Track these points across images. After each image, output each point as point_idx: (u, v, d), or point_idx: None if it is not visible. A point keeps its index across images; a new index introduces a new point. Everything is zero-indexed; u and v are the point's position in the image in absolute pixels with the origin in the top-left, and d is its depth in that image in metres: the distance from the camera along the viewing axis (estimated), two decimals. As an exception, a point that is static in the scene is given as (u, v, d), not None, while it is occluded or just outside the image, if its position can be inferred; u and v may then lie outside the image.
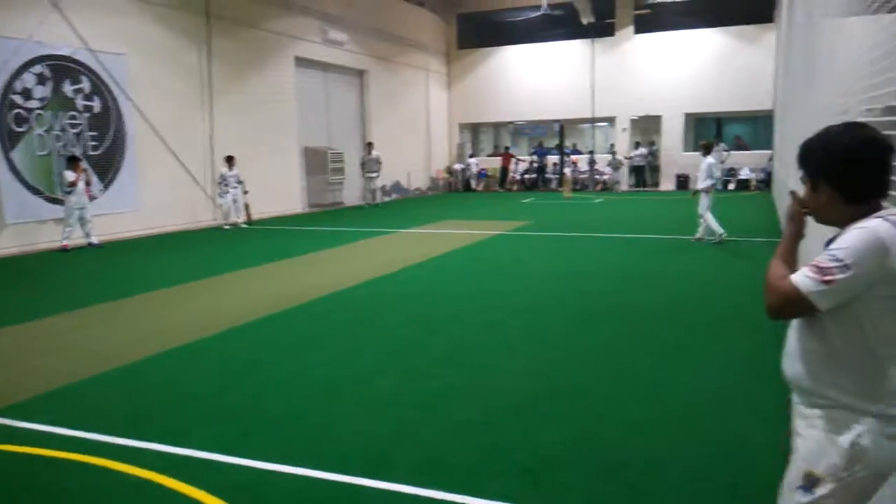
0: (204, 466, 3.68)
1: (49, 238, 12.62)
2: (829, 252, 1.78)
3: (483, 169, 27.86)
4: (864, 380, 1.82)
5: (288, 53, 18.94)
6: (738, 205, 18.34)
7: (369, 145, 21.01)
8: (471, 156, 28.13)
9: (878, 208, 1.86)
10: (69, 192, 12.33)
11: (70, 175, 12.32)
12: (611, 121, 26.61)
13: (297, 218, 17.88)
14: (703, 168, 11.53)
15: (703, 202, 11.45)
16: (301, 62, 19.52)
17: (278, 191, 18.61)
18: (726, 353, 5.53)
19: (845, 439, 1.82)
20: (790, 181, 10.89)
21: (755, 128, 26.95)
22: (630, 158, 25.38)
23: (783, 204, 12.36)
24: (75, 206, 12.36)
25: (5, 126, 12.19)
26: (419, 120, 26.04)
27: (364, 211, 19.53)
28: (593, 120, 26.14)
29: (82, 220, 12.53)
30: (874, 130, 1.88)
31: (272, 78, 18.41)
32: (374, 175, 20.63)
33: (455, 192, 27.19)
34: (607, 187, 25.29)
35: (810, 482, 1.88)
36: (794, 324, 1.97)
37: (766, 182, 22.84)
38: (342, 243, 12.71)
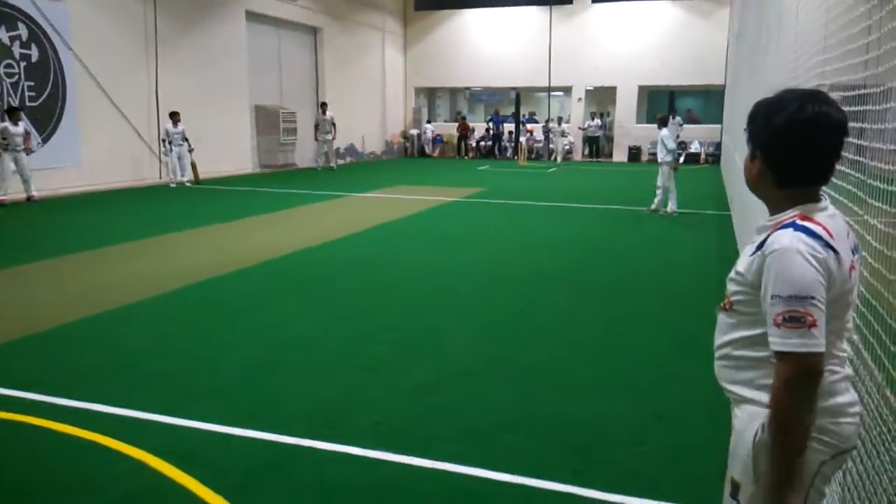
0: (147, 428, 3.61)
1: (-17, 192, 12.05)
2: (775, 298, 1.56)
3: (439, 135, 27.69)
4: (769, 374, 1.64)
5: (239, 7, 18.29)
6: (688, 178, 18.70)
7: (323, 105, 20.52)
8: (427, 121, 27.84)
9: (811, 198, 1.66)
10: (6, 148, 11.76)
11: (12, 127, 11.76)
12: (567, 90, 26.69)
13: (248, 178, 17.49)
14: (659, 141, 11.69)
15: (664, 174, 11.60)
16: (252, 17, 18.89)
17: (228, 150, 18.13)
18: (671, 322, 5.68)
19: (749, 436, 1.68)
20: (738, 156, 11.16)
21: (706, 102, 27.40)
22: (585, 129, 25.56)
23: (731, 179, 12.68)
24: (10, 159, 11.82)
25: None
26: (374, 82, 25.61)
27: (317, 174, 19.21)
28: (550, 89, 26.17)
29: (21, 172, 11.98)
30: (832, 106, 1.63)
31: (222, 32, 17.78)
32: (328, 137, 20.22)
33: (410, 157, 26.98)
34: (562, 156, 25.47)
35: (734, 488, 1.75)
36: (718, 322, 1.82)
37: (715, 156, 23.34)
38: (294, 206, 12.51)
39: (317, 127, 20.34)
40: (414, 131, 27.47)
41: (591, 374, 4.48)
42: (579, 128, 25.67)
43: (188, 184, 15.27)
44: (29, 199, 12.11)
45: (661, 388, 4.26)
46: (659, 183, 11.69)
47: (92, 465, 3.24)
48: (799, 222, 1.60)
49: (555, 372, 4.51)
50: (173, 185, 14.91)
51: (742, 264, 1.70)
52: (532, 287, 6.82)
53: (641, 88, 25.16)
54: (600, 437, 3.58)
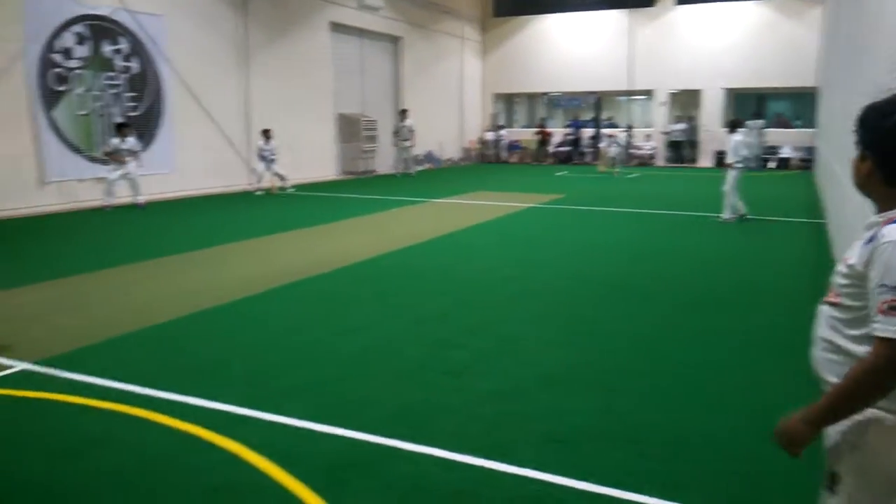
0: (242, 423, 3.79)
1: (89, 196, 12.88)
2: (883, 286, 1.60)
3: (517, 141, 27.63)
4: None
5: (324, 18, 18.88)
6: (779, 184, 17.98)
7: (403, 112, 20.86)
8: (500, 127, 27.73)
9: None
10: (115, 161, 12.59)
11: (117, 143, 12.60)
12: (648, 94, 26.12)
13: (331, 185, 17.99)
14: (731, 146, 11.33)
15: (730, 179, 11.21)
16: (336, 27, 19.45)
17: (312, 157, 18.72)
18: (752, 331, 5.48)
19: (845, 427, 1.73)
20: (834, 161, 10.65)
21: (797, 105, 26.23)
22: (668, 133, 24.96)
23: (828, 187, 12.11)
24: (120, 169, 12.63)
25: (46, 85, 12.40)
26: (453, 89, 25.85)
27: (396, 180, 19.55)
28: (631, 93, 25.67)
29: (132, 181, 12.76)
30: None
31: (308, 43, 18.40)
32: (407, 144, 20.54)
33: (488, 163, 27.02)
34: (644, 162, 24.94)
35: (832, 480, 1.78)
36: (820, 315, 1.86)
37: (807, 161, 22.30)
38: (373, 211, 12.78)
39: (396, 133, 20.70)
40: (491, 135, 27.46)
41: (672, 383, 4.39)
42: (662, 132, 25.09)
43: (291, 190, 15.80)
44: (135, 204, 12.88)
45: (745, 397, 4.12)
46: (725, 188, 11.26)
47: (189, 456, 3.43)
48: None
49: (635, 380, 4.44)
50: (259, 193, 15.42)
51: (853, 257, 1.74)
52: (612, 293, 6.73)
53: (728, 91, 24.34)
54: (680, 448, 3.51)
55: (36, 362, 4.72)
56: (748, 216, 11.30)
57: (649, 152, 25.23)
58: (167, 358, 4.89)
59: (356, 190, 16.54)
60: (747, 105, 24.99)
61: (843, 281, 1.76)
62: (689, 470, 3.31)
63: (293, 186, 15.98)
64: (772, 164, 23.10)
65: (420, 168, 22.55)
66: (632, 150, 25.23)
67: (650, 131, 25.44)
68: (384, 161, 21.50)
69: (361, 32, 20.75)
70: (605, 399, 4.14)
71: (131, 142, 12.81)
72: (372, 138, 20.69)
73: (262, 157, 15.48)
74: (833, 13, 15.61)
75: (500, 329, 5.61)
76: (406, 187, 17.12)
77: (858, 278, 1.70)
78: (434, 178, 20.27)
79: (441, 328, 5.60)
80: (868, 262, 1.67)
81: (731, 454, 3.46)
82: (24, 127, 12.10)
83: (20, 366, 4.68)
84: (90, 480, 3.22)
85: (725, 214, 11.29)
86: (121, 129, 12.78)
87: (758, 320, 5.85)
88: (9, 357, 4.83)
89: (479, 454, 3.41)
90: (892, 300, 1.58)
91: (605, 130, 26.10)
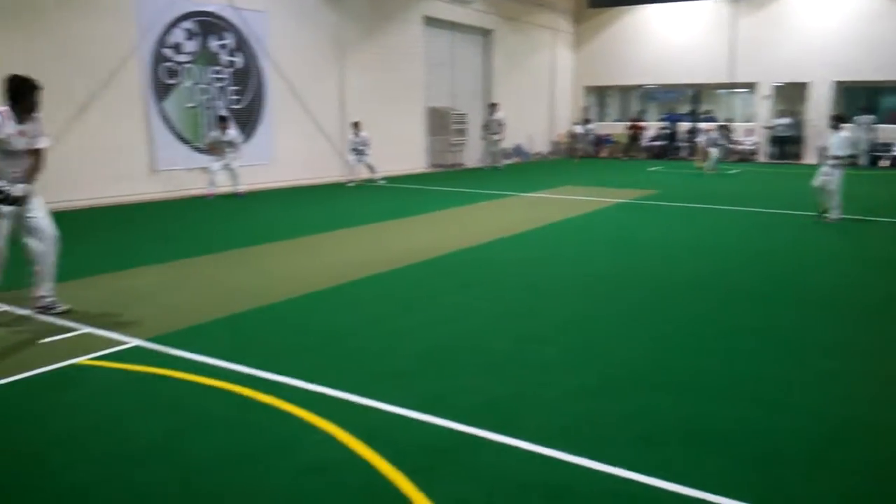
0: (337, 404, 3.93)
1: (194, 185, 13.60)
2: None
3: (608, 135, 27.03)
4: None
5: (417, 12, 19.10)
6: (886, 184, 16.84)
7: (492, 106, 20.79)
8: (587, 121, 26.97)
9: None
10: (215, 152, 13.21)
11: (219, 135, 13.20)
12: (751, 87, 24.97)
13: (420, 177, 18.22)
14: (836, 142, 10.71)
15: (835, 177, 10.59)
16: (429, 21, 19.64)
17: (403, 149, 19.01)
18: (844, 338, 5.18)
19: None
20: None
21: (916, 99, 24.42)
22: (772, 128, 23.81)
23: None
24: (221, 160, 13.22)
25: (158, 78, 13.16)
26: (543, 81, 25.58)
27: (485, 173, 19.57)
28: (732, 86, 24.62)
29: (231, 172, 13.37)
30: None
31: (401, 37, 18.67)
32: (496, 137, 20.48)
33: (579, 157, 26.57)
34: (745, 158, 23.89)
35: None
36: None
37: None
38: (462, 204, 12.87)
39: (486, 127, 20.65)
40: (579, 128, 26.81)
41: (765, 388, 4.21)
42: (765, 126, 23.98)
43: (382, 182, 16.09)
44: (235, 193, 13.49)
45: (836, 404, 3.91)
46: (830, 187, 10.64)
47: (286, 434, 3.59)
48: None
49: (726, 383, 4.29)
50: (351, 185, 15.78)
51: None
52: (701, 295, 6.51)
53: (838, 84, 22.95)
54: (777, 452, 3.38)
55: (149, 339, 5.06)
56: (829, 217, 10.70)
57: (751, 148, 24.15)
58: (269, 339, 5.12)
59: (445, 182, 16.69)
60: (857, 99, 23.49)
61: None
62: (784, 478, 3.18)
63: (383, 178, 16.29)
64: (884, 163, 21.64)
65: (508, 162, 22.46)
66: (732, 145, 24.21)
67: (752, 126, 24.35)
68: (473, 154, 21.56)
69: (453, 26, 20.86)
70: (698, 401, 4.03)
71: (232, 134, 13.37)
72: (461, 131, 20.79)
73: (353, 149, 15.85)
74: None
75: (589, 326, 5.54)
76: (494, 181, 17.12)
77: None
78: (522, 171, 20.16)
79: (529, 323, 5.59)
80: None
81: (830, 466, 3.30)
82: (137, 118, 12.90)
83: (134, 342, 5.02)
84: (191, 458, 3.43)
85: (833, 214, 10.71)
86: (221, 122, 13.38)
87: (847, 324, 5.52)
88: (122, 333, 5.19)
89: (567, 449, 3.40)
90: None
91: (702, 125, 25.17)
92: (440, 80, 20.67)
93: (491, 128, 20.47)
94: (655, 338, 5.23)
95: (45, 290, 5.67)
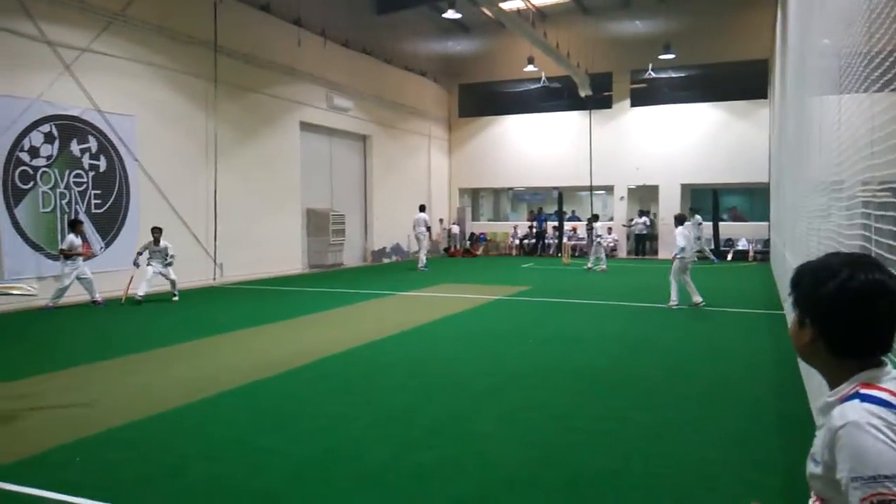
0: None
1: (48, 295, 12.56)
2: (856, 481, 1.36)
3: (482, 233, 28.13)
4: None
5: (294, 118, 19.36)
6: (736, 275, 18.43)
7: (421, 208, 21.68)
8: (454, 222, 28.07)
9: (872, 364, 1.51)
10: (70, 258, 12.27)
11: (75, 240, 12.31)
12: (608, 189, 27.00)
13: (297, 279, 17.89)
14: (677, 237, 12.33)
15: (674, 268, 12.22)
16: (306, 126, 19.94)
17: (279, 251, 18.70)
18: (719, 428, 5.46)
19: None
20: (787, 252, 11.01)
21: (752, 199, 27.34)
22: (631, 226, 25.73)
23: (783, 277, 12.46)
24: (73, 269, 12.29)
25: (11, 183, 12.34)
26: (420, 184, 26.40)
27: (364, 272, 19.53)
28: (591, 188, 26.55)
29: (85, 281, 12.46)
30: (884, 272, 1.51)
31: (278, 141, 18.77)
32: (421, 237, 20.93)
33: (454, 256, 27.25)
34: (606, 254, 25.40)
35: None
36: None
37: (763, 253, 23.00)
38: (340, 305, 12.69)
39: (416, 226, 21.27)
40: (455, 229, 27.78)
41: (640, 481, 4.30)
42: (623, 224, 25.88)
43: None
44: (94, 302, 12.55)
45: (713, 497, 4.05)
46: (670, 277, 12.34)
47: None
48: (863, 391, 1.46)
49: (604, 480, 4.33)
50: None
51: (815, 445, 1.54)
52: (580, 387, 6.67)
53: (684, 186, 25.30)
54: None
55: (-25, 474, 4.45)
56: (704, 305, 11.94)
57: (611, 244, 25.78)
58: (112, 468, 4.64)
59: (323, 283, 16.46)
60: (704, 198, 25.98)
61: (818, 483, 1.53)
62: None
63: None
64: (729, 257, 23.75)
65: (388, 261, 22.65)
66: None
67: (611, 224, 26.12)
68: (352, 254, 21.59)
69: (331, 131, 21.29)
70: (574, 502, 4.02)
71: (75, 242, 12.35)
72: (340, 232, 20.85)
73: (151, 257, 13.48)
74: (779, 114, 16.55)
75: (467, 427, 5.48)
76: (373, 280, 17.10)
77: (825, 467, 1.47)
78: (400, 270, 20.32)
79: (407, 428, 5.46)
80: (829, 450, 1.45)
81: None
82: (-17, 224, 11.91)
83: (-43, 478, 4.40)
84: None
85: (672, 300, 12.13)
86: (76, 227, 12.55)
87: (719, 414, 5.83)
88: (-54, 469, 4.54)
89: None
90: (870, 495, 1.34)
91: (568, 225, 26.75)
92: (318, 182, 20.82)
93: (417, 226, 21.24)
94: (531, 436, 5.24)
95: None
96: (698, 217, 21.97)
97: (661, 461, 4.71)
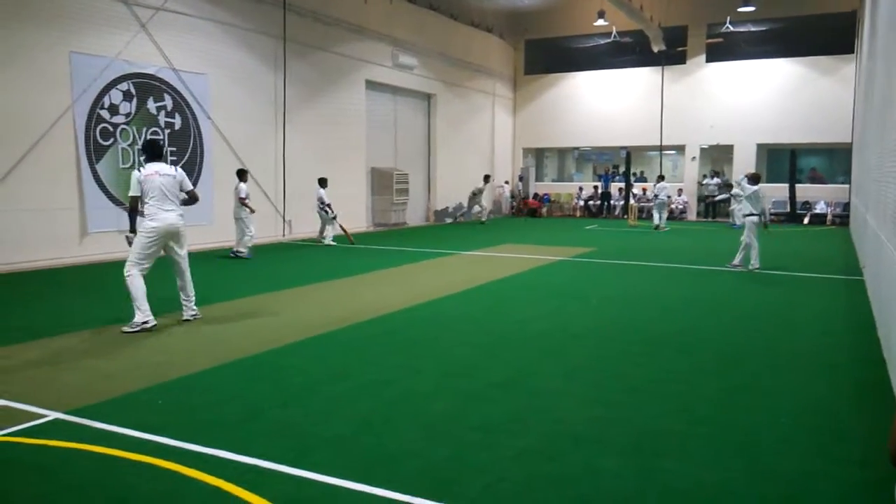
0: (267, 476, 3.76)
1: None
2: None
3: (546, 194, 27.84)
4: None
5: (360, 76, 19.43)
6: (814, 240, 17.70)
7: (486, 178, 23.74)
8: (520, 178, 27.94)
9: None
10: (244, 205, 13.33)
11: (245, 188, 13.37)
12: (680, 149, 26.16)
13: (362, 237, 18.18)
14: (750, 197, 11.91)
15: (751, 229, 11.79)
16: (371, 85, 20.00)
17: (345, 209, 18.94)
18: (792, 394, 5.32)
19: None
20: (869, 216, 10.48)
21: (832, 160, 26.04)
22: (702, 186, 24.97)
23: (860, 242, 11.92)
24: (248, 214, 13.37)
25: (93, 140, 12.89)
26: (484, 143, 26.22)
27: (427, 231, 19.69)
28: (661, 148, 25.78)
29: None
30: None
31: (344, 99, 18.91)
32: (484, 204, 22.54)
33: (518, 216, 27.10)
34: (675, 216, 24.82)
35: None
36: None
37: (843, 217, 21.98)
38: (404, 263, 12.86)
39: (477, 194, 23.06)
40: (519, 189, 27.65)
41: (707, 444, 4.25)
42: (699, 182, 25.20)
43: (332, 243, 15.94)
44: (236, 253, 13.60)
45: (784, 459, 3.98)
46: (746, 239, 11.85)
47: (217, 510, 3.40)
48: None
49: (670, 441, 4.31)
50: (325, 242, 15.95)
51: None
52: (640, 347, 6.61)
53: (760, 146, 24.28)
54: (723, 516, 3.38)
55: (70, 411, 4.78)
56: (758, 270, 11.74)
57: (681, 206, 25.13)
58: (193, 410, 4.91)
59: (388, 242, 16.69)
60: (781, 160, 24.90)
61: None
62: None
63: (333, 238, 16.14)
64: (805, 220, 22.80)
65: (449, 220, 22.74)
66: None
67: (681, 185, 25.41)
68: (415, 213, 21.75)
69: (395, 90, 21.29)
70: (640, 460, 4.03)
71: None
72: (404, 191, 20.99)
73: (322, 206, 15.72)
74: (866, 69, 15.58)
75: (531, 384, 5.52)
76: (437, 239, 17.22)
77: None
78: (464, 229, 20.37)
79: (471, 382, 5.54)
80: None
81: (771, 522, 3.32)
82: (70, 180, 12.53)
83: (53, 415, 4.73)
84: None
85: (753, 263, 11.77)
86: (244, 175, 13.48)
87: (792, 380, 5.68)
88: (42, 406, 4.89)
89: (508, 515, 3.32)
90: None
91: (637, 185, 26.15)
92: (383, 141, 20.94)
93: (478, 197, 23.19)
94: (594, 394, 5.24)
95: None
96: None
97: (729, 426, 4.64)
